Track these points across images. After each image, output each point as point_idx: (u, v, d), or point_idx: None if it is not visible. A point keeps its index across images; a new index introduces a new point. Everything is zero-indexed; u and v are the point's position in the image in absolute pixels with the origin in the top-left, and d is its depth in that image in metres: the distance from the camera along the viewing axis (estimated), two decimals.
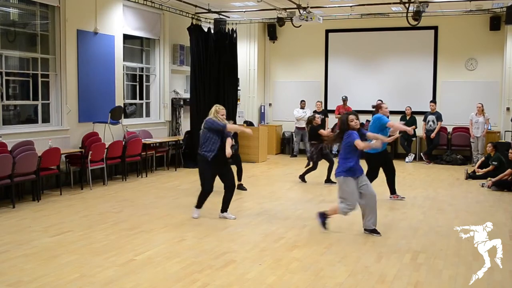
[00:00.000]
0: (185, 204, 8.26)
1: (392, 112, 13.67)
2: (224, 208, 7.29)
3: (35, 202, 8.21)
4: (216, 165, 7.03)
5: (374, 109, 8.83)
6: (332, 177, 9.91)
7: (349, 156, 6.25)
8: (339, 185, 6.34)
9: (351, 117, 6.29)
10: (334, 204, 6.63)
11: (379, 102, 13.57)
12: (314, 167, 10.21)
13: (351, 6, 12.71)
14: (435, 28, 14.14)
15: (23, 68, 9.66)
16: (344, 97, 14.25)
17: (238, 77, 14.04)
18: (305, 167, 10.44)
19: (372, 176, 8.11)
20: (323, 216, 6.55)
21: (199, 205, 7.27)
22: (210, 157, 6.92)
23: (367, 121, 14.08)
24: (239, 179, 9.30)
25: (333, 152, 14.27)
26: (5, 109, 9.09)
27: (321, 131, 9.89)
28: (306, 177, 10.40)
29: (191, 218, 7.28)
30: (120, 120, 10.79)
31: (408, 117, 13.45)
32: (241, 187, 9.28)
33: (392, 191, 8.58)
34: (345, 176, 6.24)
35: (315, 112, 14.47)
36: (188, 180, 10.61)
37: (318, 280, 4.87)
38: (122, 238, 6.21)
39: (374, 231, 6.42)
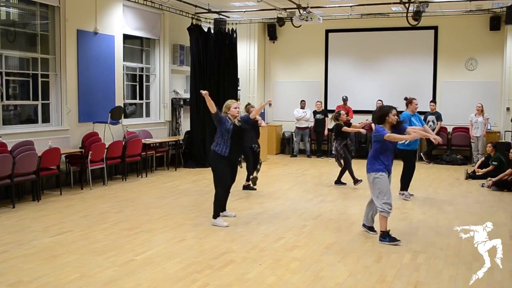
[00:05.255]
0: (185, 204, 8.27)
1: None
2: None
3: (35, 202, 8.21)
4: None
5: (405, 102, 8.78)
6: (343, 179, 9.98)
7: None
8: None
9: (394, 111, 6.13)
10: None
11: (379, 102, 13.74)
12: (344, 166, 9.85)
13: (351, 6, 12.70)
14: (435, 28, 14.14)
15: (23, 68, 9.66)
16: (344, 97, 14.25)
17: (238, 77, 14.05)
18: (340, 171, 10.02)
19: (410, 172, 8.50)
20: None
21: (217, 213, 6.90)
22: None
23: (367, 120, 14.08)
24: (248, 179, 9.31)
25: (334, 152, 14.27)
26: (5, 109, 9.09)
27: (345, 128, 9.68)
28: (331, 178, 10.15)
29: (191, 218, 7.27)
30: (120, 120, 10.79)
31: None
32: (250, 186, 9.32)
33: (405, 187, 8.69)
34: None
35: (315, 112, 14.52)
36: (188, 180, 10.61)
37: (318, 280, 4.87)
38: (122, 238, 6.21)
39: (371, 229, 6.48)
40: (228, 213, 7.29)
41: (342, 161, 9.86)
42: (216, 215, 6.88)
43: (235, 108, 6.85)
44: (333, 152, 10.04)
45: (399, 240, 6.05)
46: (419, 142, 8.70)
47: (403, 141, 8.21)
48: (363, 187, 9.78)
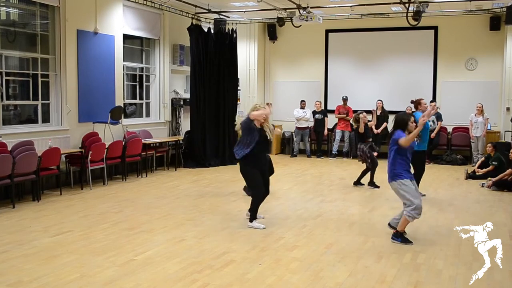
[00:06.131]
0: (185, 204, 8.27)
1: (392, 112, 13.78)
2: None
3: (35, 202, 8.21)
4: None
5: (413, 104, 8.73)
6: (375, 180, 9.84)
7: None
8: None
9: (413, 119, 6.11)
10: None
11: (379, 102, 13.74)
12: (372, 167, 9.70)
13: (351, 6, 12.70)
14: (435, 28, 14.14)
15: (23, 68, 9.66)
16: (344, 97, 14.25)
17: (238, 77, 14.05)
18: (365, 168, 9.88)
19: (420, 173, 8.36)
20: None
21: (254, 217, 6.82)
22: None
23: (369, 121, 14.07)
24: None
25: (333, 152, 14.32)
26: (5, 109, 9.09)
27: (361, 127, 9.60)
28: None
29: (191, 218, 7.27)
30: (120, 120, 10.79)
31: None
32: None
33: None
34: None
35: (314, 112, 14.51)
36: (188, 180, 10.61)
37: (318, 280, 4.87)
38: (122, 238, 6.21)
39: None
40: (258, 215, 7.19)
41: (369, 161, 9.69)
42: (252, 219, 6.79)
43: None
44: (358, 152, 9.90)
45: (411, 242, 6.03)
46: (427, 142, 8.69)
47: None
48: (363, 189, 9.79)
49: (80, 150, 9.52)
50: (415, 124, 6.11)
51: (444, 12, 13.45)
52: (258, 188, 6.85)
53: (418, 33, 14.15)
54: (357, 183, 9.92)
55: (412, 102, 8.76)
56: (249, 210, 6.85)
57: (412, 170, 6.33)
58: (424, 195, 8.88)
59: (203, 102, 12.63)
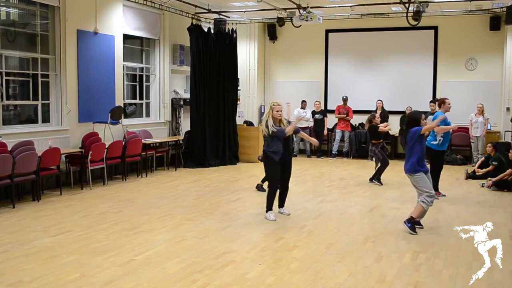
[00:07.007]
0: (185, 204, 8.26)
1: (392, 112, 13.81)
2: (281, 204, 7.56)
3: (35, 202, 8.21)
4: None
5: (437, 102, 8.92)
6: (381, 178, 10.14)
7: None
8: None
9: (424, 116, 6.65)
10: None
11: (379, 102, 13.74)
12: (385, 164, 9.98)
13: (351, 6, 12.70)
14: (435, 28, 14.15)
15: (23, 68, 9.66)
16: (344, 97, 14.26)
17: (238, 77, 14.04)
18: (375, 168, 10.18)
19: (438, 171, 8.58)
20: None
21: (268, 207, 7.32)
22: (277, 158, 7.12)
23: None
24: (264, 180, 9.15)
25: (333, 152, 14.32)
26: (5, 109, 9.09)
27: (381, 128, 9.92)
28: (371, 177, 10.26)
29: (191, 218, 7.27)
30: (120, 120, 10.79)
31: None
32: (261, 188, 9.21)
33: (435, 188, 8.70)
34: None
35: (313, 112, 14.51)
36: (188, 180, 10.61)
37: (318, 280, 4.87)
38: (122, 238, 6.21)
39: (417, 223, 6.72)
40: (284, 210, 7.53)
41: (379, 163, 9.98)
42: (267, 209, 7.24)
43: (277, 111, 7.15)
44: (370, 153, 10.11)
45: (416, 233, 6.44)
46: (448, 143, 8.80)
47: (437, 142, 8.44)
48: (363, 189, 9.80)
49: (80, 150, 9.51)
50: (425, 121, 6.63)
51: (444, 12, 13.45)
52: (275, 180, 7.25)
53: (418, 33, 14.15)
54: (375, 179, 10.11)
55: (436, 100, 8.91)
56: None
57: (428, 166, 6.82)
58: (445, 195, 8.95)
59: (203, 102, 12.62)
